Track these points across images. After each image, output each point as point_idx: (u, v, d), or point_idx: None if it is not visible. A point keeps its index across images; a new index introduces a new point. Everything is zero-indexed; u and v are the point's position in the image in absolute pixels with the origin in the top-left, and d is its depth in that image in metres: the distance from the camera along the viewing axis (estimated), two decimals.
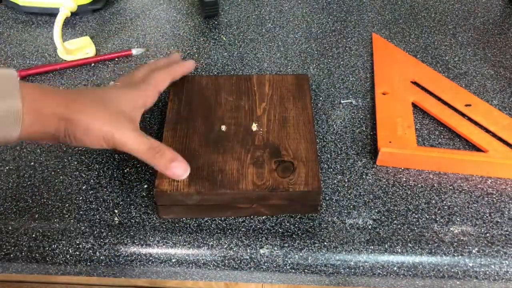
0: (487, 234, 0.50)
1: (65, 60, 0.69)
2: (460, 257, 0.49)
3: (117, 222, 0.51)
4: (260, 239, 0.50)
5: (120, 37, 0.73)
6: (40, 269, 0.51)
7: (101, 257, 0.50)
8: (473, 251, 0.49)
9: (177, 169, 0.48)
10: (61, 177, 0.55)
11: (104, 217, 0.51)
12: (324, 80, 0.66)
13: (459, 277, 0.49)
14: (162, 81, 0.55)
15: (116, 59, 0.69)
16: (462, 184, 0.55)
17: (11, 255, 0.50)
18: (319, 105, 0.63)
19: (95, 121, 0.46)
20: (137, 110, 0.51)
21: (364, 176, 0.55)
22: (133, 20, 0.76)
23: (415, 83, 0.65)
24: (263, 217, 0.51)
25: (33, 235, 0.50)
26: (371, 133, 0.60)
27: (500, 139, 0.57)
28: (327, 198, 0.53)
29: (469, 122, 0.59)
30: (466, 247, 0.49)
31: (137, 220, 0.51)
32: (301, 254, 0.49)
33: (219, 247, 0.49)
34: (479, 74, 0.67)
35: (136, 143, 0.47)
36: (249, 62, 0.69)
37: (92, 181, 0.55)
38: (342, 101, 0.64)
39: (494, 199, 0.53)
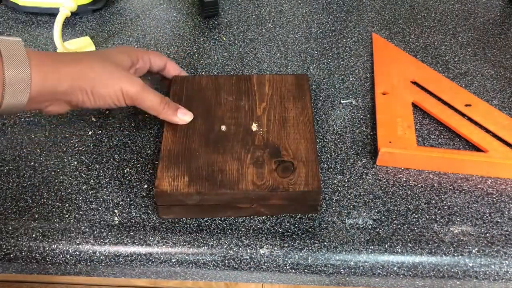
0: (487, 234, 0.50)
1: None
2: (460, 257, 0.49)
3: (117, 222, 0.51)
4: (260, 239, 0.50)
5: (120, 37, 0.73)
6: (40, 269, 0.51)
7: (101, 257, 0.50)
8: (473, 251, 0.49)
9: (185, 116, 0.54)
10: (61, 177, 0.55)
11: (104, 217, 0.51)
12: (324, 80, 0.66)
13: (459, 277, 0.49)
14: (155, 56, 0.58)
15: None
16: (462, 184, 0.55)
17: (11, 255, 0.50)
18: (319, 105, 0.63)
19: (112, 77, 0.49)
20: (130, 64, 0.54)
21: (364, 176, 0.55)
22: (133, 20, 0.76)
23: (415, 83, 0.65)
24: (263, 217, 0.51)
25: (33, 235, 0.50)
26: (371, 133, 0.60)
27: (500, 139, 0.57)
28: (327, 198, 0.53)
29: (469, 122, 0.59)
30: (466, 247, 0.49)
31: (137, 220, 0.51)
32: (301, 254, 0.49)
33: (219, 247, 0.49)
34: (479, 74, 0.67)
35: (150, 98, 0.51)
36: (249, 62, 0.69)
37: (92, 181, 0.55)
38: (342, 101, 0.64)
39: (494, 199, 0.53)
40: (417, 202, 0.53)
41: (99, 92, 0.49)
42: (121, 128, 0.60)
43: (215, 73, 0.68)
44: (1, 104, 0.42)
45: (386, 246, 0.49)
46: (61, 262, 0.50)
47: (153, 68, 0.58)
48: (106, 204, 0.53)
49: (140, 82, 0.51)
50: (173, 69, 0.60)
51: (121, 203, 0.53)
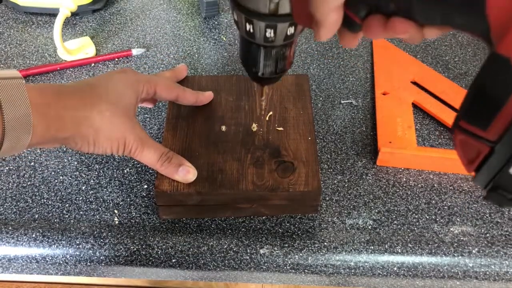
0: (487, 235, 0.50)
1: (65, 60, 0.69)
2: (460, 257, 0.49)
3: (117, 222, 0.51)
4: (260, 239, 0.50)
5: (120, 37, 0.73)
6: (40, 269, 0.51)
7: (101, 257, 0.50)
8: (473, 251, 0.49)
9: (188, 174, 0.49)
10: (61, 177, 0.55)
11: (104, 217, 0.51)
12: (324, 80, 0.66)
13: (459, 277, 0.49)
14: (164, 85, 0.54)
15: (116, 59, 0.69)
16: (462, 184, 0.55)
17: (12, 255, 0.50)
18: (319, 105, 0.63)
19: (119, 128, 0.46)
20: (135, 99, 0.50)
21: (364, 176, 0.55)
22: (133, 20, 0.76)
23: (415, 83, 0.65)
24: (263, 217, 0.51)
25: (33, 235, 0.50)
26: (371, 133, 0.60)
27: None
28: (327, 198, 0.53)
29: None
30: (466, 247, 0.49)
31: (137, 220, 0.51)
32: (301, 254, 0.49)
33: (219, 247, 0.49)
34: None
35: (149, 155, 0.48)
36: None
37: (92, 181, 0.55)
38: (342, 101, 0.64)
39: None
40: (417, 202, 0.53)
41: (101, 142, 0.45)
42: None
43: (215, 73, 0.68)
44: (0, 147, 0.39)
45: (386, 246, 0.49)
46: (61, 262, 0.50)
47: (158, 99, 0.55)
48: (106, 204, 0.53)
49: (143, 136, 0.48)
50: (189, 96, 0.55)
51: (121, 203, 0.53)
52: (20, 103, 0.39)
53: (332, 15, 0.33)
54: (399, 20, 0.31)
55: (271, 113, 0.56)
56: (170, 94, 0.54)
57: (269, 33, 0.39)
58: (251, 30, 0.39)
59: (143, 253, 0.49)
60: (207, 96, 0.56)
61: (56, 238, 0.50)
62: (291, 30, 0.39)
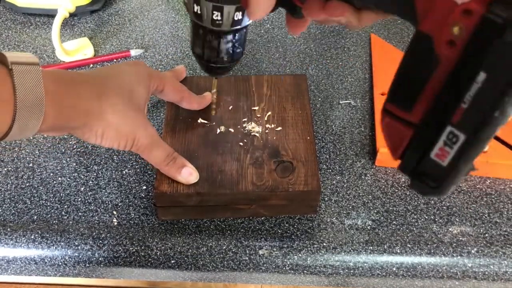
0: (486, 235, 0.50)
1: (64, 61, 0.69)
2: (459, 257, 0.49)
3: (116, 223, 0.51)
4: (259, 240, 0.50)
5: (119, 38, 0.73)
6: (39, 271, 0.51)
7: (100, 259, 0.49)
8: (472, 251, 0.49)
9: (190, 176, 0.49)
10: (59, 178, 0.55)
11: (103, 218, 0.51)
12: (322, 81, 0.67)
13: (458, 277, 0.49)
14: (172, 85, 0.54)
15: (115, 60, 0.69)
16: (461, 185, 0.55)
17: (10, 257, 0.50)
18: (318, 105, 0.63)
19: (130, 124, 0.45)
20: (147, 92, 0.50)
21: (363, 177, 0.55)
22: (132, 21, 0.76)
23: None
24: (262, 218, 0.51)
25: (32, 237, 0.50)
26: (370, 133, 0.60)
27: (499, 139, 0.57)
28: (326, 198, 0.53)
29: None
30: (465, 247, 0.49)
31: (136, 221, 0.51)
32: (300, 255, 0.49)
33: (218, 248, 0.49)
34: None
35: (157, 154, 0.48)
36: (248, 63, 0.69)
37: (90, 182, 0.55)
38: (341, 102, 0.64)
39: (493, 200, 0.53)
40: (416, 203, 0.53)
41: (110, 135, 0.45)
42: None
43: None
44: (7, 133, 0.38)
45: (385, 246, 0.49)
46: (60, 263, 0.50)
47: (162, 98, 0.55)
48: (105, 205, 0.52)
49: (154, 134, 0.48)
50: (194, 100, 0.55)
51: (120, 204, 0.53)
52: (34, 89, 0.38)
53: None
54: (336, 2, 0.33)
55: (266, 112, 0.56)
56: (176, 95, 0.54)
57: (216, 15, 0.39)
58: (199, 11, 0.40)
59: (142, 254, 0.49)
60: (208, 99, 0.56)
61: (54, 239, 0.50)
62: (238, 15, 0.40)
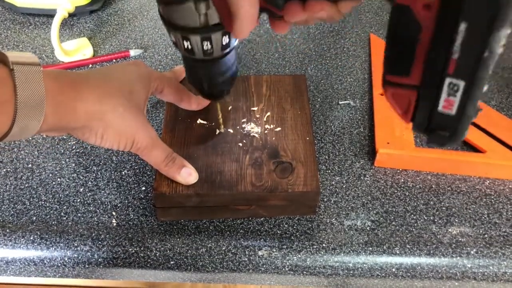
0: (485, 235, 0.50)
1: (63, 62, 0.69)
2: (458, 258, 0.49)
3: (115, 224, 0.51)
4: (258, 241, 0.50)
5: (118, 38, 0.73)
6: (38, 272, 0.51)
7: (99, 259, 0.49)
8: (472, 252, 0.49)
9: (189, 176, 0.49)
10: (58, 179, 0.55)
11: (102, 219, 0.51)
12: (322, 81, 0.66)
13: (458, 278, 0.49)
14: (173, 86, 0.54)
15: (114, 60, 0.69)
16: (460, 185, 0.55)
17: (9, 258, 0.50)
18: (317, 106, 0.63)
19: (130, 125, 0.45)
20: (147, 91, 0.50)
21: (362, 177, 0.55)
22: (131, 21, 0.76)
23: None
24: (262, 219, 0.51)
25: (31, 238, 0.50)
26: (369, 134, 0.60)
27: (498, 140, 0.57)
28: (325, 199, 0.53)
29: None
30: (464, 248, 0.49)
31: (135, 222, 0.51)
32: (299, 255, 0.49)
33: (217, 249, 0.49)
34: None
35: (156, 154, 0.48)
36: (247, 63, 0.69)
37: (90, 183, 0.55)
38: (340, 102, 0.64)
39: (492, 200, 0.53)
40: (415, 203, 0.53)
41: (110, 136, 0.45)
42: None
43: None
44: (7, 134, 0.38)
45: (385, 247, 0.49)
46: (59, 264, 0.50)
47: (162, 98, 0.54)
48: (104, 206, 0.52)
49: (153, 135, 0.47)
50: (193, 102, 0.55)
51: (119, 205, 0.53)
52: (35, 90, 0.38)
53: (246, 7, 0.35)
54: (314, 1, 0.35)
55: (266, 112, 0.56)
56: (176, 95, 0.54)
57: (206, 45, 0.42)
58: (189, 47, 0.42)
59: (141, 255, 0.49)
60: (207, 100, 0.56)
61: (54, 240, 0.50)
62: (226, 39, 0.42)
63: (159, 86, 0.51)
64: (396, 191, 0.54)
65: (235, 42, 0.44)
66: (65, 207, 0.52)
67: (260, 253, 0.49)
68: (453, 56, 0.29)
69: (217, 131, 0.54)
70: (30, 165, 0.56)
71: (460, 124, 0.32)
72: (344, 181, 0.55)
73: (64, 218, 0.51)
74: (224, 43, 0.42)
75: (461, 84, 0.30)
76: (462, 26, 0.28)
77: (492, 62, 0.29)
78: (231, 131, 0.54)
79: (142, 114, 0.47)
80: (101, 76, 0.46)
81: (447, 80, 0.31)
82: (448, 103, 0.31)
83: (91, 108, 0.43)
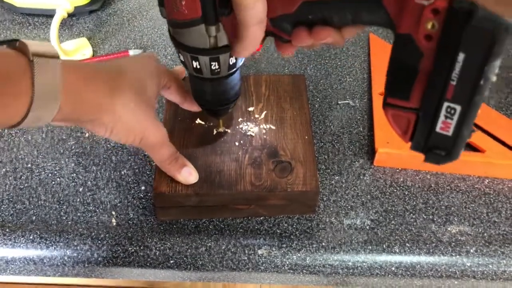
0: (485, 234, 0.50)
1: None
2: (458, 256, 0.49)
3: (114, 223, 0.51)
4: (258, 240, 0.50)
5: (117, 38, 0.73)
6: (37, 271, 0.51)
7: (99, 259, 0.49)
8: (471, 250, 0.49)
9: (190, 176, 0.49)
10: (58, 179, 0.55)
11: (102, 219, 0.51)
12: (321, 81, 0.67)
13: (457, 276, 0.49)
14: (176, 85, 0.53)
15: None
16: (459, 184, 0.55)
17: (9, 257, 0.50)
18: (316, 106, 0.63)
19: (140, 122, 0.45)
20: (158, 87, 0.50)
21: (361, 177, 0.55)
22: (130, 21, 0.76)
23: None
24: (261, 218, 0.51)
25: (31, 237, 0.50)
26: (369, 133, 0.60)
27: (497, 139, 0.57)
28: (325, 198, 0.53)
29: None
30: (463, 246, 0.49)
31: (134, 222, 0.51)
32: (299, 254, 0.49)
33: (217, 248, 0.49)
34: None
35: (162, 152, 0.48)
36: (246, 63, 0.69)
37: (89, 182, 0.55)
38: (339, 102, 0.64)
39: (491, 199, 0.53)
40: (414, 202, 0.53)
41: (119, 131, 0.44)
42: None
43: None
44: (20, 123, 0.38)
45: (384, 246, 0.49)
46: (59, 264, 0.50)
47: (166, 96, 0.54)
48: (104, 205, 0.52)
49: (163, 133, 0.48)
50: (194, 105, 0.54)
51: (118, 204, 0.53)
52: (52, 83, 0.38)
53: (255, 29, 0.37)
54: (320, 28, 0.37)
55: (265, 112, 0.56)
56: (181, 95, 0.53)
57: (214, 65, 0.43)
58: (198, 66, 0.43)
59: (141, 254, 0.49)
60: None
61: (53, 239, 0.50)
62: (232, 60, 0.43)
63: (168, 82, 0.51)
64: (395, 190, 0.54)
65: (241, 62, 0.45)
66: (64, 206, 0.52)
67: (259, 252, 0.49)
68: (451, 82, 0.32)
69: (216, 131, 0.54)
70: (29, 165, 0.56)
71: (455, 144, 0.34)
72: (344, 181, 0.55)
73: (64, 218, 0.51)
74: (231, 63, 0.44)
75: (458, 108, 0.33)
76: (461, 57, 0.30)
77: (487, 89, 0.31)
78: (230, 131, 0.54)
79: (152, 110, 0.47)
80: (113, 69, 0.46)
81: (445, 104, 0.33)
82: (445, 125, 0.34)
83: (103, 101, 0.43)
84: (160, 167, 0.49)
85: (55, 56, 0.39)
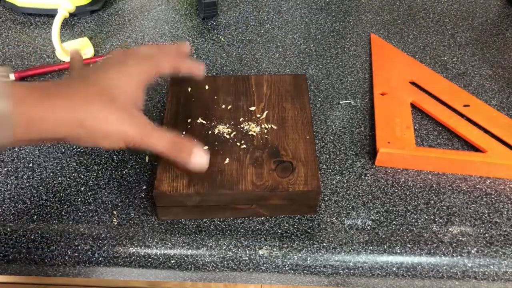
0: (486, 235, 0.50)
1: (64, 61, 0.69)
2: (459, 257, 0.49)
3: (115, 223, 0.51)
4: (259, 240, 0.50)
5: (119, 38, 0.73)
6: (38, 271, 0.51)
7: (100, 259, 0.49)
8: (472, 251, 0.49)
9: (201, 158, 0.47)
10: (59, 178, 0.55)
11: (103, 219, 0.51)
12: (322, 81, 0.66)
13: (458, 277, 0.49)
14: (167, 64, 0.51)
15: None
16: (461, 185, 0.55)
17: (10, 257, 0.50)
18: (317, 105, 0.63)
19: (112, 125, 0.43)
20: (141, 91, 0.47)
21: (363, 177, 0.55)
22: (132, 21, 0.76)
23: (413, 83, 0.65)
24: (262, 218, 0.51)
25: (32, 237, 0.50)
26: (370, 133, 0.60)
27: (498, 139, 0.57)
28: (326, 198, 0.53)
29: (467, 123, 0.59)
30: (465, 247, 0.49)
31: (135, 221, 0.51)
32: (300, 255, 0.49)
33: (218, 248, 0.49)
34: (478, 74, 0.67)
35: (157, 142, 0.46)
36: (248, 63, 0.69)
37: (90, 182, 0.55)
38: (341, 102, 0.64)
39: (492, 200, 0.53)
40: (416, 203, 0.53)
41: (98, 140, 0.43)
42: None
43: (214, 73, 0.68)
44: None
45: (385, 246, 0.49)
46: (60, 263, 0.50)
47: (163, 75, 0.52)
48: (105, 205, 0.52)
49: (143, 121, 0.45)
50: (187, 65, 0.52)
51: (119, 204, 0.53)
52: (1, 102, 0.37)
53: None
54: None
55: (266, 111, 0.56)
56: (172, 69, 0.51)
57: None
58: None
59: (142, 254, 0.49)
60: (201, 67, 0.53)
61: (54, 239, 0.50)
62: None
63: (150, 74, 0.49)
64: (396, 190, 0.54)
65: None
66: (65, 206, 0.52)
67: (260, 252, 0.49)
68: None
69: (217, 131, 0.54)
70: (31, 164, 0.56)
71: None
72: (345, 181, 0.55)
73: (65, 217, 0.51)
74: None
75: None
76: None
77: None
78: (232, 130, 0.54)
79: (128, 110, 0.45)
80: (80, 81, 0.45)
81: None
82: None
83: (66, 116, 0.41)
84: (169, 159, 0.47)
85: (4, 75, 0.38)
